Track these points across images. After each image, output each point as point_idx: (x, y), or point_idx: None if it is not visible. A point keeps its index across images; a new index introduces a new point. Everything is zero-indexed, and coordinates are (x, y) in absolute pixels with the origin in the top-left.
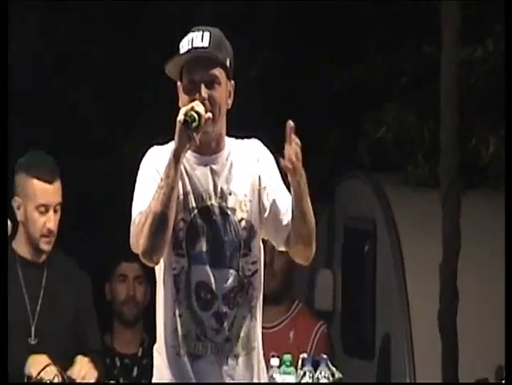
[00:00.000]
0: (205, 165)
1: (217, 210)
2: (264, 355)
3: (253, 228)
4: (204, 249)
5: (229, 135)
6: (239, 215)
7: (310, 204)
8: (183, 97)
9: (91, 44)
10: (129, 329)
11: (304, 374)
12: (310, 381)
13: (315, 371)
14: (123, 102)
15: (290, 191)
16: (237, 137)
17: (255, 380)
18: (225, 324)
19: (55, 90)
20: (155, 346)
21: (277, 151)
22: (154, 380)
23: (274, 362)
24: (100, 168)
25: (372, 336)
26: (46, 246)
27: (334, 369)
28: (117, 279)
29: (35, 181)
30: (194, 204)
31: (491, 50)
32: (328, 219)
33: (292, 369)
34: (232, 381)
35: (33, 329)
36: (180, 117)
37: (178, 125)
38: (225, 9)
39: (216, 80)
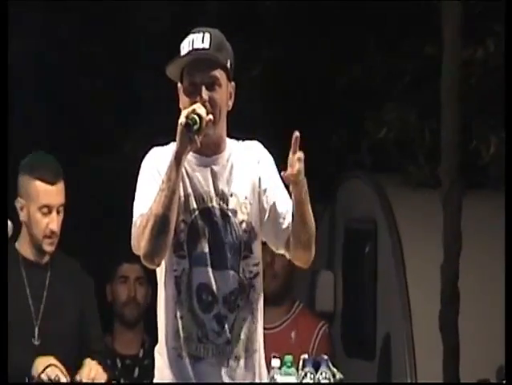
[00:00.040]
0: (206, 166)
1: (217, 212)
2: (266, 356)
3: (253, 231)
4: (205, 250)
5: (229, 136)
6: (240, 217)
7: (310, 211)
8: (183, 99)
9: (91, 44)
10: (130, 330)
11: (305, 375)
12: (311, 382)
13: (316, 372)
14: (124, 102)
15: (291, 196)
16: (237, 138)
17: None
18: (226, 326)
19: (55, 90)
20: (156, 348)
21: (277, 151)
22: (155, 381)
23: (275, 363)
24: (100, 168)
25: (373, 337)
26: (49, 247)
27: (335, 370)
28: (118, 280)
29: (38, 182)
30: (195, 206)
31: (492, 50)
32: (329, 219)
33: (293, 370)
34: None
35: (36, 330)
36: (182, 120)
37: (180, 128)
38: (225, 8)
39: (216, 82)
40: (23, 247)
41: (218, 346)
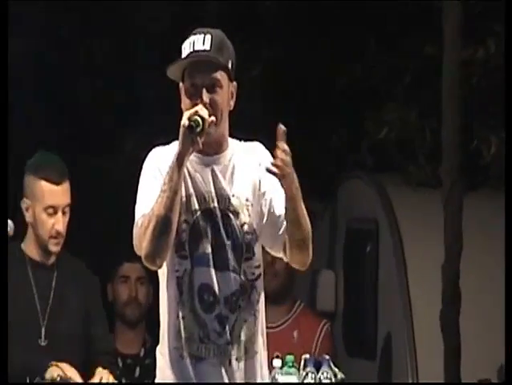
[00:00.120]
0: (207, 165)
1: (219, 213)
2: (268, 355)
3: (255, 233)
4: (207, 251)
5: (231, 136)
6: (242, 219)
7: (303, 209)
8: (185, 100)
9: (91, 44)
10: (131, 329)
11: (306, 374)
12: (313, 382)
13: (318, 372)
14: (124, 102)
15: None
16: (239, 139)
17: None
18: (227, 327)
19: (55, 90)
20: (158, 348)
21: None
22: (157, 381)
23: (277, 363)
24: (100, 168)
25: (374, 336)
26: (54, 248)
27: (336, 369)
28: (119, 280)
29: (43, 183)
30: (197, 206)
31: (492, 50)
32: (330, 219)
33: (294, 370)
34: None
35: (43, 330)
36: (185, 121)
37: (182, 129)
38: (225, 8)
39: (217, 84)
40: (29, 248)
41: (220, 346)
